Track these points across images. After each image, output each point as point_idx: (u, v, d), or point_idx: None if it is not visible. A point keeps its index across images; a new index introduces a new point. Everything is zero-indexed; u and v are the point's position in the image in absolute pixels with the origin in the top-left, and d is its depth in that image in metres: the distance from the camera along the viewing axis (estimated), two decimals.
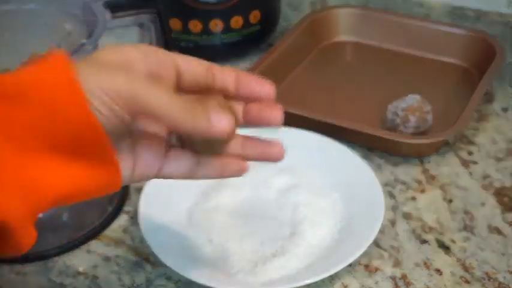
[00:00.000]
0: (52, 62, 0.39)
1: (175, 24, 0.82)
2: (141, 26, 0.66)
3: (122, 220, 0.65)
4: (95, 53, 0.42)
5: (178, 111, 0.40)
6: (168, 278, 0.59)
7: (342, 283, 0.58)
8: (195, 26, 0.82)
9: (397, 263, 0.60)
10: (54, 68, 0.39)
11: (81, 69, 0.39)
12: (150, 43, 0.67)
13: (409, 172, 0.69)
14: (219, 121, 0.42)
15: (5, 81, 0.38)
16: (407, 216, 0.64)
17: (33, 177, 0.39)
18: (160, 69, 0.43)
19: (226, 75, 0.47)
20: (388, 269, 0.59)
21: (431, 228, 0.63)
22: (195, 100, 0.42)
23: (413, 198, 0.66)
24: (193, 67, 0.46)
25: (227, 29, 0.82)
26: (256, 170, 0.66)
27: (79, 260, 0.61)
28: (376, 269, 0.59)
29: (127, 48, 0.43)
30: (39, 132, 0.38)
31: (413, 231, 0.63)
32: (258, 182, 0.64)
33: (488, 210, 0.65)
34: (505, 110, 0.77)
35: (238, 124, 0.45)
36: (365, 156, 0.70)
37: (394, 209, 0.65)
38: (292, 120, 0.72)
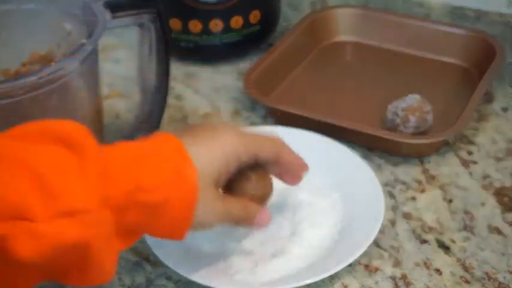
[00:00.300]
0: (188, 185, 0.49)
1: (175, 24, 0.82)
2: (141, 26, 0.66)
3: None
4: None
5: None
6: (168, 278, 0.59)
7: (342, 283, 0.58)
8: (195, 26, 0.82)
9: (397, 263, 0.60)
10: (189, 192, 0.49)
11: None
12: (150, 43, 0.67)
13: (409, 172, 0.69)
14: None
15: (150, 190, 0.47)
16: (407, 216, 0.64)
17: None
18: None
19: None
20: (388, 269, 0.59)
21: (431, 228, 0.63)
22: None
23: (413, 198, 0.66)
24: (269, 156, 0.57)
25: (227, 29, 0.82)
26: None
27: None
28: (376, 269, 0.59)
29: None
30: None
31: (413, 231, 0.63)
32: None
33: (488, 210, 0.65)
34: (504, 110, 0.77)
35: None
36: (365, 156, 0.71)
37: (394, 209, 0.65)
38: (292, 120, 0.72)
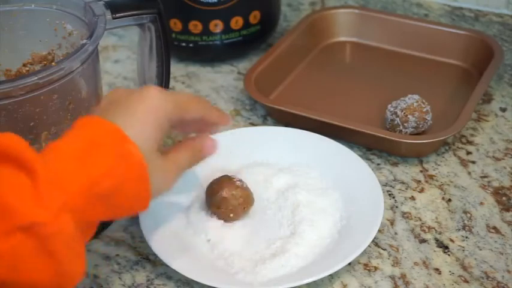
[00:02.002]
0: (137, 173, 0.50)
1: (175, 24, 0.82)
2: (141, 26, 0.66)
3: (123, 220, 0.65)
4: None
5: None
6: (168, 278, 0.60)
7: (342, 282, 0.59)
8: (195, 26, 0.82)
9: (396, 262, 0.60)
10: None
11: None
12: (150, 43, 0.67)
13: (408, 172, 0.69)
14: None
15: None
16: (406, 215, 0.65)
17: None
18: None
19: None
20: (388, 268, 0.60)
21: (430, 228, 0.63)
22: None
23: (413, 198, 0.67)
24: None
25: (227, 29, 0.83)
26: (257, 170, 0.66)
27: None
28: (376, 268, 0.60)
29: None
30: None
31: (412, 230, 0.63)
32: (258, 182, 0.65)
33: (487, 210, 0.65)
34: (503, 110, 0.77)
35: None
36: (365, 156, 0.71)
37: (394, 208, 0.65)
38: (292, 120, 0.72)
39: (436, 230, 0.63)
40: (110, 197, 0.48)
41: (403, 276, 0.59)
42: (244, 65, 0.86)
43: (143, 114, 0.51)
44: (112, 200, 0.48)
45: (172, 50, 0.70)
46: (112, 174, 0.48)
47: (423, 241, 0.62)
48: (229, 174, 0.63)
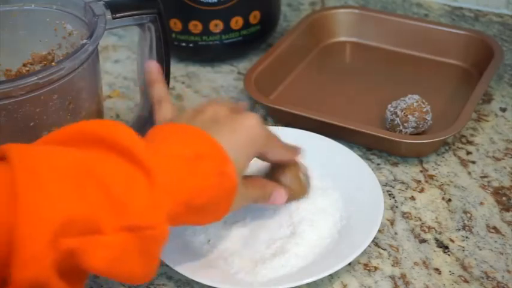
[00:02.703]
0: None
1: (175, 24, 0.82)
2: (141, 26, 0.66)
3: None
4: None
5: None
6: (168, 278, 0.60)
7: (342, 282, 0.59)
8: (195, 26, 0.82)
9: (396, 262, 0.60)
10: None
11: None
12: (150, 43, 0.67)
13: (408, 172, 0.69)
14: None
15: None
16: (406, 215, 0.65)
17: None
18: None
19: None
20: (388, 268, 0.60)
21: (430, 228, 0.63)
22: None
23: (412, 198, 0.67)
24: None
25: (227, 29, 0.83)
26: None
27: None
28: (376, 268, 0.60)
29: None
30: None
31: (412, 230, 0.63)
32: None
33: (487, 210, 0.65)
34: (503, 110, 0.77)
35: None
36: (365, 156, 0.71)
37: (393, 208, 0.65)
38: (292, 120, 0.72)
39: (436, 230, 0.63)
40: (202, 210, 0.50)
41: (403, 276, 0.59)
42: (244, 65, 0.86)
43: (245, 142, 0.54)
44: (199, 214, 0.51)
45: (172, 50, 0.70)
46: (208, 191, 0.50)
47: (423, 241, 0.62)
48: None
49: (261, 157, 0.59)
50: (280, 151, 0.59)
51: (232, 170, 0.51)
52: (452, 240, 0.62)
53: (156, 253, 0.47)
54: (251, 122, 0.55)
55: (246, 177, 0.57)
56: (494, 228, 0.63)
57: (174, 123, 0.54)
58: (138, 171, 0.46)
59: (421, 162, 0.70)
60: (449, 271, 0.59)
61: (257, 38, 0.85)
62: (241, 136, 0.54)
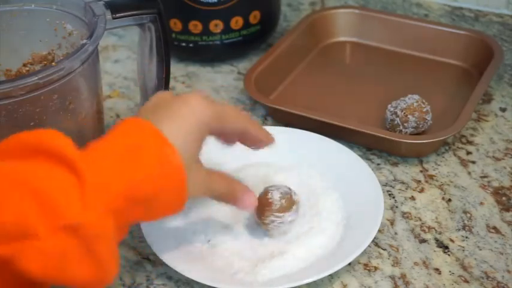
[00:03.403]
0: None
1: (175, 24, 0.82)
2: (141, 26, 0.66)
3: None
4: None
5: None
6: (168, 278, 0.60)
7: (342, 282, 0.59)
8: (195, 26, 0.82)
9: (396, 262, 0.60)
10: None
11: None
12: (150, 43, 0.67)
13: (408, 172, 0.69)
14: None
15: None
16: (406, 215, 0.65)
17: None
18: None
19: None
20: (388, 268, 0.60)
21: (430, 228, 0.63)
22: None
23: (412, 198, 0.67)
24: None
25: (227, 29, 0.83)
26: (256, 170, 0.66)
27: None
28: (376, 268, 0.60)
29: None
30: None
31: (412, 230, 0.63)
32: (258, 182, 0.65)
33: (487, 210, 0.65)
34: (503, 110, 0.77)
35: None
36: (365, 156, 0.71)
37: (393, 208, 0.65)
38: (292, 120, 0.72)
39: (436, 230, 0.63)
40: (149, 200, 0.49)
41: (403, 276, 0.59)
42: (244, 65, 0.86)
43: (185, 119, 0.52)
44: (150, 204, 0.49)
45: (172, 50, 0.70)
46: (152, 179, 0.48)
47: (423, 241, 0.62)
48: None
49: (222, 137, 0.57)
50: (237, 121, 0.56)
51: (175, 155, 0.49)
52: (452, 240, 0.62)
53: (103, 252, 0.46)
54: (191, 98, 0.53)
55: (214, 172, 0.55)
56: (494, 228, 0.63)
57: (125, 118, 0.53)
58: (67, 172, 0.45)
59: (421, 162, 0.70)
60: (449, 271, 0.59)
61: (257, 38, 0.85)
62: (184, 118, 0.52)
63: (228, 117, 0.55)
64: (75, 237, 0.44)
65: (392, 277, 0.59)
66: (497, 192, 0.67)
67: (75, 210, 0.44)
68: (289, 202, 0.59)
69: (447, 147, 0.72)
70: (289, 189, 0.60)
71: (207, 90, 0.82)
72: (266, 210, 0.59)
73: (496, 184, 0.67)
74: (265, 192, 0.60)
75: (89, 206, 0.45)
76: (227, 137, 0.57)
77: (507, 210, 0.65)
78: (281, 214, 0.59)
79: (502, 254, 0.60)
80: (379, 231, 0.62)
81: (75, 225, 0.44)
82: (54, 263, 0.44)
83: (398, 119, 0.71)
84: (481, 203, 0.66)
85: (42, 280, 0.45)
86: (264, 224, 0.60)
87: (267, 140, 0.59)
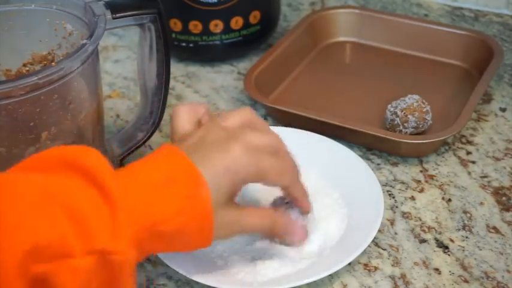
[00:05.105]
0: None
1: (175, 24, 0.82)
2: (141, 26, 0.66)
3: None
4: None
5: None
6: (168, 278, 0.60)
7: (342, 282, 0.59)
8: (195, 26, 0.82)
9: (396, 262, 0.60)
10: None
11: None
12: (150, 43, 0.67)
13: (408, 172, 0.69)
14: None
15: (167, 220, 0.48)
16: (406, 215, 0.65)
17: None
18: None
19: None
20: (388, 268, 0.60)
21: (430, 228, 0.63)
22: None
23: (412, 198, 0.67)
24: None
25: (227, 29, 0.83)
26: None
27: None
28: (376, 268, 0.60)
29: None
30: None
31: (412, 230, 0.63)
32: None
33: (487, 210, 0.65)
34: (503, 110, 0.77)
35: None
36: (364, 156, 0.71)
37: (394, 208, 0.65)
38: (292, 120, 0.72)
39: (436, 230, 0.63)
40: (172, 237, 0.49)
41: (403, 276, 0.59)
42: (244, 65, 0.86)
43: (221, 164, 0.51)
44: (173, 240, 0.49)
45: (172, 50, 0.70)
46: (177, 216, 0.48)
47: (423, 241, 0.62)
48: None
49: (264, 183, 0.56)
50: (279, 180, 0.55)
51: (206, 193, 0.49)
52: (452, 240, 0.62)
53: (125, 279, 0.46)
54: (234, 148, 0.52)
55: (247, 207, 0.56)
56: (494, 228, 0.63)
57: (166, 145, 0.52)
58: (99, 195, 0.45)
59: (421, 162, 0.70)
60: (449, 271, 0.59)
61: (257, 38, 0.85)
62: (220, 162, 0.51)
63: (267, 175, 0.54)
64: (103, 261, 0.45)
65: (392, 277, 0.59)
66: (497, 192, 0.67)
67: (105, 237, 0.45)
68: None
69: (447, 147, 0.72)
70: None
71: (207, 90, 0.82)
72: None
73: (496, 184, 0.67)
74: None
75: (118, 233, 0.45)
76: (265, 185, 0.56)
77: (507, 210, 0.65)
78: None
79: (502, 254, 0.60)
80: (379, 231, 0.62)
81: (104, 251, 0.44)
82: (83, 283, 0.44)
83: (398, 119, 0.71)
84: (481, 203, 0.66)
85: None
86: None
87: (304, 207, 0.58)
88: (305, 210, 0.58)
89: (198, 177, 0.49)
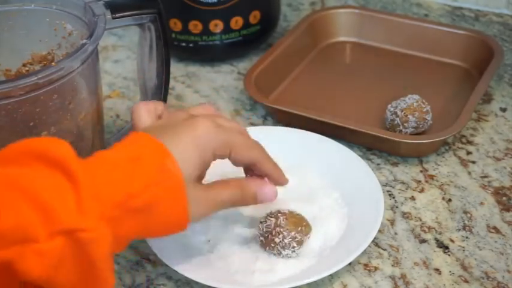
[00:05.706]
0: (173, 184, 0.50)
1: (175, 24, 0.82)
2: (141, 26, 0.66)
3: None
4: None
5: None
6: (168, 278, 0.60)
7: (342, 282, 0.59)
8: (195, 26, 0.82)
9: (396, 263, 0.60)
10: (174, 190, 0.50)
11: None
12: (150, 43, 0.67)
13: (408, 172, 0.69)
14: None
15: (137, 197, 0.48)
16: (406, 215, 0.65)
17: None
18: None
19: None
20: (388, 269, 0.60)
21: (430, 228, 0.63)
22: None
23: (413, 198, 0.67)
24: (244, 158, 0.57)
25: (227, 29, 0.83)
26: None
27: None
28: (376, 269, 0.60)
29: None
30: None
31: (413, 230, 0.63)
32: None
33: (487, 210, 0.65)
34: (503, 110, 0.77)
35: None
36: (365, 156, 0.71)
37: (394, 208, 0.65)
38: (292, 120, 0.72)
39: (436, 230, 0.63)
40: (145, 212, 0.48)
41: (403, 276, 0.59)
42: (244, 65, 0.86)
43: (189, 140, 0.52)
44: (147, 216, 0.49)
45: (172, 50, 0.70)
46: (148, 189, 0.48)
47: (423, 241, 0.62)
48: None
49: (231, 160, 0.56)
50: (246, 153, 0.55)
51: (173, 165, 0.49)
52: (452, 241, 0.62)
53: (99, 259, 0.45)
54: (200, 123, 0.53)
55: (218, 181, 0.55)
56: (495, 228, 0.63)
57: (133, 132, 0.53)
58: (64, 178, 0.45)
59: (421, 162, 0.70)
60: (450, 271, 0.59)
61: (257, 38, 0.85)
62: (185, 135, 0.52)
63: (236, 148, 0.54)
64: (71, 241, 0.44)
65: (392, 277, 0.59)
66: (498, 192, 0.67)
67: (70, 216, 0.44)
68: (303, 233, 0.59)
69: (447, 147, 0.72)
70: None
71: (207, 90, 0.82)
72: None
73: (496, 184, 0.67)
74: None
75: (84, 212, 0.45)
76: (234, 163, 0.56)
77: (507, 210, 0.65)
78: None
79: (502, 254, 0.60)
80: (379, 231, 0.62)
81: (72, 229, 0.44)
82: (53, 267, 0.44)
83: (398, 119, 0.71)
84: (481, 203, 0.66)
85: (40, 283, 0.45)
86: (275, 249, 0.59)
87: (278, 179, 0.58)
88: (281, 183, 0.58)
89: (163, 150, 0.49)
